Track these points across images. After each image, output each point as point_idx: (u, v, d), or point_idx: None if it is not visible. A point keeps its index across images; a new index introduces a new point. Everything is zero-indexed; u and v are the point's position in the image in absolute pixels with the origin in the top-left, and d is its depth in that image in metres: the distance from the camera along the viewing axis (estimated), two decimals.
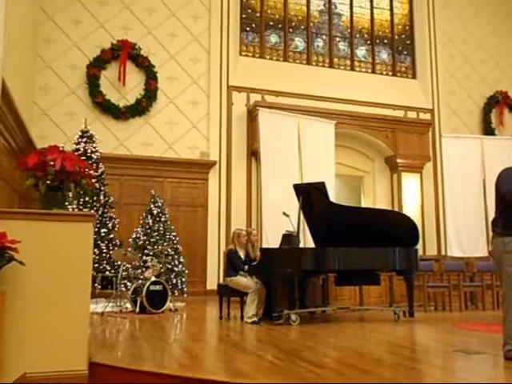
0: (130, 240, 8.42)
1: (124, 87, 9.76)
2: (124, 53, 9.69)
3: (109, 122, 9.62)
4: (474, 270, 8.19)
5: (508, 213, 3.62)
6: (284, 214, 6.31)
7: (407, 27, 12.47)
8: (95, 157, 8.42)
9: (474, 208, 9.93)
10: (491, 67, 12.66)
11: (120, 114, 9.64)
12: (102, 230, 8.12)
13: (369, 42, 12.08)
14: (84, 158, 8.18)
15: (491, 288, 7.72)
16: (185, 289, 8.41)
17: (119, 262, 7.32)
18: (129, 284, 7.37)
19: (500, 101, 12.42)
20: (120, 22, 9.92)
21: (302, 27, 11.58)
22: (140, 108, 9.76)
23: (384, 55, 12.19)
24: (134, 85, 9.84)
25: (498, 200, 3.77)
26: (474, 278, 8.18)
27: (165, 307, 6.63)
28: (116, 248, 7.98)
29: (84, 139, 8.45)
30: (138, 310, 6.44)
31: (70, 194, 3.21)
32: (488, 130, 12.16)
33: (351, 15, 11.99)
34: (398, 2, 12.47)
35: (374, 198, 11.37)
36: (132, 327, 5.45)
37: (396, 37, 12.32)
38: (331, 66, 11.63)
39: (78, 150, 8.30)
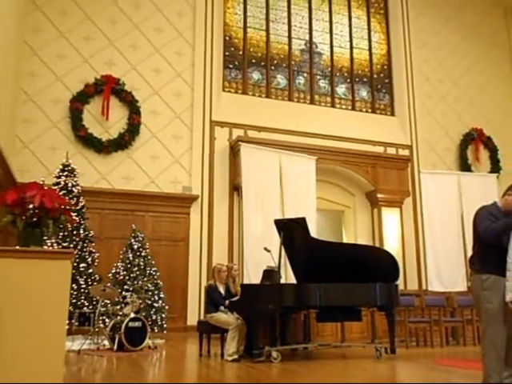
0: (110, 275, 8.28)
1: (107, 121, 9.80)
2: (108, 88, 9.77)
3: (91, 156, 9.61)
4: (455, 305, 8.25)
5: (485, 250, 3.69)
6: (265, 249, 6.31)
7: (385, 66, 12.87)
8: (76, 191, 8.34)
9: (453, 242, 10.06)
10: (466, 105, 13.08)
11: (102, 147, 9.64)
12: (81, 265, 7.98)
13: (348, 80, 12.41)
14: (65, 191, 8.13)
15: (472, 323, 7.76)
16: (164, 325, 8.25)
17: (98, 298, 7.18)
18: (107, 320, 7.21)
19: (475, 138, 12.78)
20: (104, 58, 10.04)
21: (284, 65, 11.87)
22: (123, 142, 9.78)
23: (363, 93, 12.52)
24: (117, 119, 9.89)
25: (475, 238, 3.84)
26: (455, 313, 8.23)
27: (143, 344, 6.49)
28: (95, 283, 7.83)
29: (65, 173, 8.39)
30: (115, 347, 6.29)
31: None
32: (464, 166, 12.45)
33: (331, 54, 12.35)
34: (376, 42, 12.91)
35: (356, 232, 11.44)
36: (109, 366, 5.31)
37: (375, 75, 12.69)
38: (312, 102, 11.88)
39: (58, 183, 8.22)
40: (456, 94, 13.03)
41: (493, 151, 12.95)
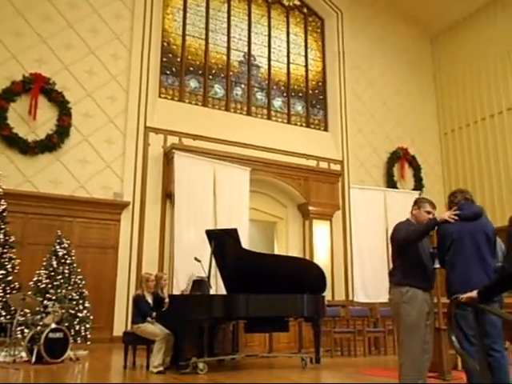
0: (31, 283, 7.86)
1: (34, 121, 9.35)
2: (36, 86, 9.34)
3: (15, 157, 9.11)
4: (378, 316, 8.58)
5: (404, 263, 3.86)
6: (196, 259, 6.26)
7: (320, 83, 13.28)
8: None
9: (378, 256, 10.47)
10: (394, 124, 13.77)
11: (28, 148, 9.17)
12: (0, 272, 7.53)
13: (285, 94, 12.68)
14: None
15: (392, 333, 8.08)
16: (88, 336, 7.94)
17: (16, 307, 6.78)
18: (26, 331, 6.83)
19: (401, 156, 13.46)
20: (34, 55, 9.59)
21: (222, 75, 11.93)
22: (50, 144, 9.36)
23: (299, 107, 12.83)
24: (45, 120, 9.46)
25: (394, 251, 4.03)
26: (378, 324, 8.55)
27: (64, 356, 6.20)
28: (14, 292, 7.41)
29: None
30: (33, 359, 5.97)
31: None
32: (391, 182, 13.06)
33: (269, 68, 12.57)
34: (312, 59, 13.30)
35: (287, 243, 11.63)
36: (26, 379, 5.03)
37: (310, 91, 13.06)
38: (249, 114, 12.01)
39: None
40: (385, 113, 13.68)
41: (416, 170, 13.69)
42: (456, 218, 3.68)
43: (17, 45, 9.48)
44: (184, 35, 11.65)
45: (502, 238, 3.78)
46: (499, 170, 12.85)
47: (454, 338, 3.20)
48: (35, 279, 7.89)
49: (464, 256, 3.60)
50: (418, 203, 3.96)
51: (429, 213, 3.85)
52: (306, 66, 13.15)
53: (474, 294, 2.99)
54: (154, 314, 5.86)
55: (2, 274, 7.54)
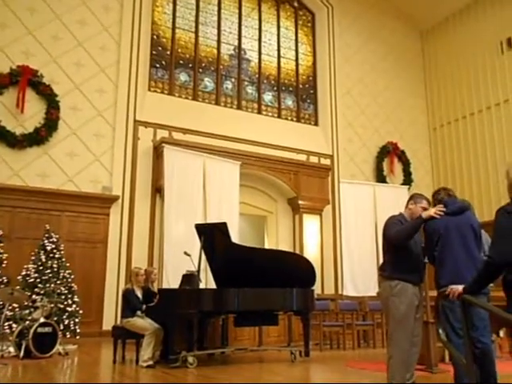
0: (20, 277, 7.81)
1: (22, 114, 9.24)
2: (24, 79, 9.22)
3: (2, 150, 9.00)
4: (367, 309, 8.65)
5: (396, 259, 3.89)
6: (185, 253, 6.25)
7: (311, 78, 13.27)
8: None
9: (367, 250, 10.55)
10: (383, 119, 13.81)
11: (16, 142, 9.07)
12: None
13: (275, 88, 12.65)
14: None
15: (381, 326, 8.16)
16: (77, 330, 7.91)
17: (4, 302, 6.73)
18: (14, 326, 6.79)
19: (391, 151, 13.51)
20: (21, 47, 9.46)
21: (212, 68, 11.87)
22: (38, 137, 9.26)
23: (289, 102, 12.81)
24: (33, 113, 9.35)
25: (385, 246, 4.06)
26: (367, 317, 8.62)
27: (53, 351, 6.18)
28: (2, 286, 7.35)
29: None
30: (22, 354, 5.93)
31: None
32: (380, 177, 13.11)
33: (259, 62, 12.53)
34: (302, 54, 13.28)
35: (277, 237, 11.65)
36: (14, 375, 5.00)
37: (300, 85, 13.04)
38: (239, 107, 11.97)
39: None
40: (375, 108, 13.71)
41: (406, 164, 13.75)
42: (442, 213, 3.70)
43: (3, 37, 9.34)
44: (174, 28, 11.56)
45: (490, 233, 3.81)
46: (487, 164, 12.95)
47: (441, 331, 3.23)
48: (23, 273, 7.84)
49: (452, 250, 3.64)
50: (414, 198, 4.00)
51: (424, 209, 3.88)
52: (297, 60, 13.13)
53: (460, 289, 3.01)
54: (144, 307, 5.85)
55: None
